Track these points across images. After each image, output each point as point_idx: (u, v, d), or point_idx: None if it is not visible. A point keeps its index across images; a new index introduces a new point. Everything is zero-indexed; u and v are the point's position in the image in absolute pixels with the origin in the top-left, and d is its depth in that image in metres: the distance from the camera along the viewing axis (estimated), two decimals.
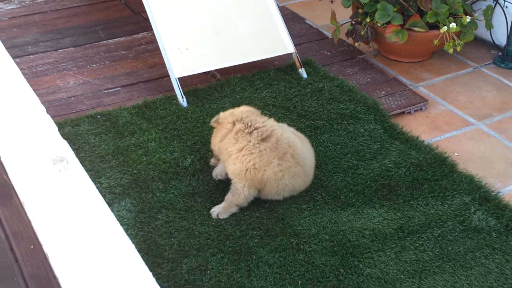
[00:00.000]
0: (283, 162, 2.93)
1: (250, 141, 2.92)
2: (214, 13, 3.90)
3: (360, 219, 2.91)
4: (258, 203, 2.99)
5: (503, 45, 4.20)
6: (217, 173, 3.13)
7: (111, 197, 3.02)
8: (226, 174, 3.04)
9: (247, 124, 2.96)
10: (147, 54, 4.24)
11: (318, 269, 2.66)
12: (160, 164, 3.21)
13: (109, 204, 2.95)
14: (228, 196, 2.97)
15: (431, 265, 2.67)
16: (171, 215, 2.94)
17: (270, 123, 3.01)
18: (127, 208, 2.98)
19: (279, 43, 3.92)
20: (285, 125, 3.16)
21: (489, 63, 4.17)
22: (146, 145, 3.33)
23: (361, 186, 3.08)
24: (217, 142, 3.03)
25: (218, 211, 2.96)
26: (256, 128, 2.95)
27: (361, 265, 2.68)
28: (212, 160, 3.20)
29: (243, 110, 3.04)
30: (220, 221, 2.91)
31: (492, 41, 4.31)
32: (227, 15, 3.92)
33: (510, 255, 2.69)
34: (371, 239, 2.80)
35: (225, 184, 3.08)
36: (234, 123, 2.99)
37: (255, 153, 2.90)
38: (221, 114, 3.08)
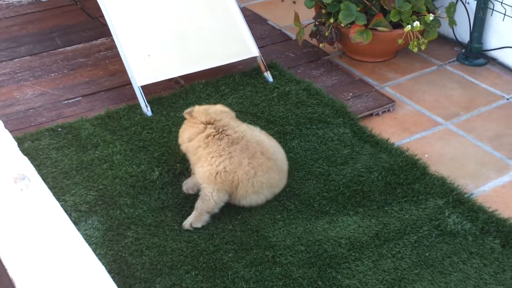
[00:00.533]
0: (253, 160, 2.88)
1: (220, 145, 2.86)
2: (176, 17, 3.79)
3: (335, 227, 2.86)
4: (230, 214, 2.92)
5: (466, 42, 4.21)
6: (188, 187, 3.04)
7: (77, 215, 2.90)
8: (197, 188, 2.96)
9: (218, 130, 2.89)
10: (107, 61, 4.11)
11: (296, 283, 2.60)
12: (126, 178, 3.10)
13: (75, 223, 2.86)
14: (198, 204, 2.89)
15: (410, 273, 2.64)
16: (141, 232, 2.84)
17: (242, 129, 2.94)
18: (94, 226, 2.87)
19: (243, 46, 3.84)
20: (256, 128, 3.09)
21: (453, 61, 4.17)
22: (111, 158, 3.21)
23: (334, 193, 3.03)
24: (185, 139, 2.96)
25: (190, 221, 2.87)
26: (227, 135, 2.88)
27: (339, 276, 2.63)
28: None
29: (218, 111, 2.96)
30: (193, 235, 2.82)
31: (455, 38, 4.31)
32: (190, 19, 3.81)
33: (487, 259, 2.68)
34: (347, 248, 2.75)
35: (195, 196, 2.99)
36: (206, 125, 2.91)
37: (224, 155, 2.84)
38: (196, 107, 2.98)
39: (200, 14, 3.85)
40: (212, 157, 2.85)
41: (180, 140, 3.02)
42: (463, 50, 4.19)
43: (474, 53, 4.11)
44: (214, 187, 2.85)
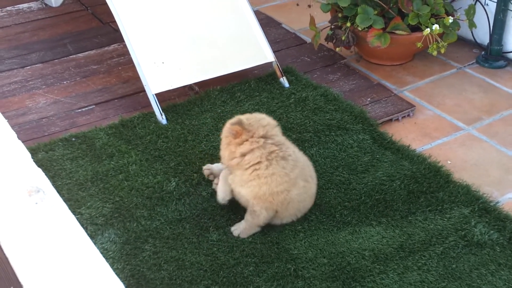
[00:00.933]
0: (306, 183, 2.80)
1: (285, 168, 2.72)
2: (190, 23, 3.73)
3: (358, 238, 2.78)
4: None
5: (485, 44, 4.12)
6: (224, 196, 2.88)
7: (94, 228, 2.84)
8: (233, 193, 2.87)
9: (281, 148, 2.75)
10: (119, 68, 4.04)
11: None
12: (143, 189, 3.03)
13: (92, 237, 2.79)
14: (248, 218, 2.80)
15: (437, 286, 2.55)
16: (159, 245, 2.77)
17: (291, 147, 2.85)
18: (111, 239, 2.80)
19: (258, 52, 3.77)
20: (291, 144, 2.96)
21: (472, 63, 4.08)
22: (126, 169, 3.15)
23: (356, 203, 2.96)
24: (237, 154, 2.74)
25: (239, 232, 2.81)
26: (289, 155, 2.75)
27: None
28: (215, 181, 3.02)
29: (272, 124, 2.82)
30: (212, 248, 2.75)
31: (474, 40, 4.22)
32: (203, 25, 3.74)
33: None
34: (371, 261, 2.67)
35: (213, 207, 2.93)
36: (265, 139, 2.75)
37: (286, 178, 2.73)
38: (243, 118, 2.77)
39: (214, 19, 3.78)
40: (274, 177, 2.71)
41: (228, 154, 2.79)
42: (483, 52, 4.09)
43: (494, 55, 4.02)
44: (262, 205, 2.75)
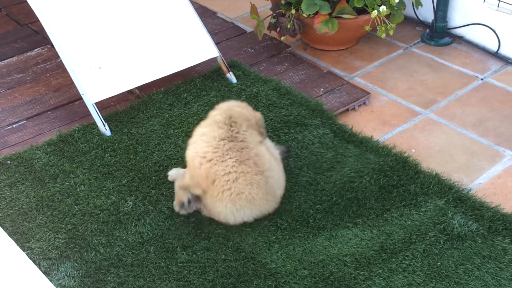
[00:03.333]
0: (241, 165, 2.61)
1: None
2: (125, 23, 3.42)
3: (336, 244, 2.63)
4: (219, 241, 2.63)
5: (429, 22, 4.03)
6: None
7: (47, 263, 2.55)
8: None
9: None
10: (47, 75, 3.69)
11: None
12: (97, 213, 2.75)
13: (46, 273, 2.51)
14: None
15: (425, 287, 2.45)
16: (123, 274, 2.51)
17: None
18: (68, 274, 2.52)
19: (201, 47, 3.51)
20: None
21: (418, 42, 3.99)
22: (74, 191, 2.85)
23: (328, 204, 2.80)
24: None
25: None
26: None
27: None
28: None
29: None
30: (182, 271, 2.52)
31: (416, 17, 4.13)
32: (140, 24, 3.45)
33: (502, 262, 2.52)
34: (354, 267, 2.53)
35: (178, 225, 2.69)
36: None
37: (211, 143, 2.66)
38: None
39: (151, 17, 3.49)
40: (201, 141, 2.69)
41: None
42: (427, 30, 4.01)
43: (439, 33, 3.94)
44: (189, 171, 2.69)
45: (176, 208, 2.75)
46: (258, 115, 2.83)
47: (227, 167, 2.61)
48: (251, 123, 2.73)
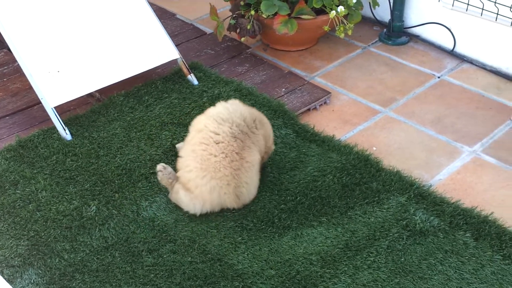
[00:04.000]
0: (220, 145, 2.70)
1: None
2: (84, 25, 3.38)
3: (302, 243, 2.65)
4: (185, 243, 2.62)
5: (386, 21, 4.10)
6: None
7: (10, 271, 2.50)
8: None
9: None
10: (4, 80, 3.62)
11: None
12: (60, 219, 2.71)
13: (10, 281, 2.47)
14: None
15: (390, 283, 2.48)
16: (89, 280, 2.49)
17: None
18: (32, 281, 2.48)
19: (161, 49, 3.50)
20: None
21: (376, 41, 4.05)
22: (36, 197, 2.80)
23: (292, 204, 2.81)
24: None
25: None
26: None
27: None
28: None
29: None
30: (149, 274, 2.51)
31: (374, 17, 4.19)
32: (99, 26, 3.41)
33: (463, 256, 2.57)
34: (320, 265, 2.55)
35: (142, 228, 2.67)
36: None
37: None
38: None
39: (111, 19, 3.45)
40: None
41: None
42: (385, 30, 4.07)
43: (396, 32, 4.00)
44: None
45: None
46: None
47: (222, 154, 2.68)
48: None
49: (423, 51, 3.92)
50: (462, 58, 3.83)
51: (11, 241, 2.62)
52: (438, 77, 3.70)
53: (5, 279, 2.42)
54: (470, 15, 3.70)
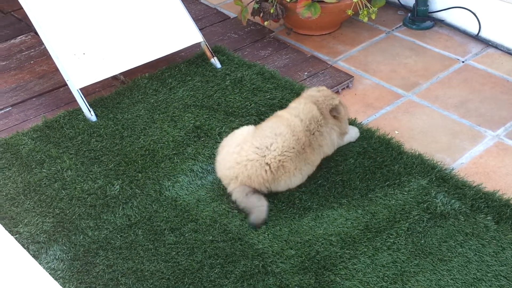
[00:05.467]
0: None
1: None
2: (109, 8, 3.42)
3: (322, 224, 2.67)
4: (207, 222, 2.65)
5: (410, 6, 4.07)
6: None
7: (36, 247, 2.57)
8: None
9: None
10: (32, 62, 3.68)
11: None
12: (84, 197, 2.77)
13: (35, 257, 2.53)
14: None
15: (409, 265, 2.49)
16: (112, 257, 2.54)
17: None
18: (57, 257, 2.54)
19: (185, 33, 3.53)
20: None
21: (400, 26, 4.03)
22: (61, 176, 2.87)
23: (314, 186, 2.83)
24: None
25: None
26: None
27: (338, 278, 2.44)
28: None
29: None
30: (170, 252, 2.55)
31: (398, 1, 4.16)
32: (124, 9, 3.45)
33: (484, 239, 2.57)
34: (340, 246, 2.57)
35: (165, 207, 2.72)
36: None
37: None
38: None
39: (136, 3, 3.49)
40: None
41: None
42: (409, 14, 4.05)
43: (420, 16, 3.98)
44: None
45: None
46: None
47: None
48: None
49: (448, 36, 3.90)
50: (487, 43, 3.79)
51: (37, 218, 2.68)
52: (463, 62, 3.67)
53: (30, 254, 2.48)
54: None
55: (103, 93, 3.39)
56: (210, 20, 4.05)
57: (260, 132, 2.79)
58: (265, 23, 3.76)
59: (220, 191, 2.80)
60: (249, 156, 2.71)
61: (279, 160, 2.71)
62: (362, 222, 2.67)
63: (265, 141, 2.73)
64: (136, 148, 3.01)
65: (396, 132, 3.18)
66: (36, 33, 3.74)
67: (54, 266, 2.50)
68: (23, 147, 3.02)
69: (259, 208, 2.67)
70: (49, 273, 2.48)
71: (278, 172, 2.72)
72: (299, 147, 2.76)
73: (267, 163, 2.70)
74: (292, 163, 2.74)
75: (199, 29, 3.64)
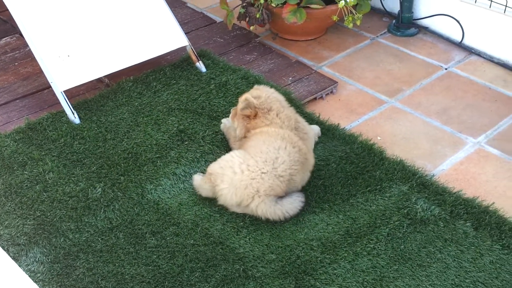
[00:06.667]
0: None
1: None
2: (94, 11, 3.43)
3: (303, 228, 2.68)
4: (188, 226, 2.66)
5: (395, 12, 4.10)
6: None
7: (16, 249, 2.56)
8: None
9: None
10: (16, 64, 3.67)
11: None
12: (66, 200, 2.76)
13: (15, 259, 2.53)
14: None
15: (389, 270, 2.51)
16: (92, 260, 2.54)
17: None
18: (37, 259, 2.53)
19: (171, 36, 3.53)
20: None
21: (384, 32, 4.06)
22: (43, 178, 2.86)
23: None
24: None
25: None
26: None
27: (318, 283, 2.46)
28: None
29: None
30: (151, 255, 2.55)
31: (383, 8, 4.19)
32: (109, 12, 3.46)
33: (463, 245, 2.59)
34: (320, 251, 2.58)
35: (146, 211, 2.72)
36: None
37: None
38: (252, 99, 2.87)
39: (121, 5, 3.50)
40: None
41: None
42: (394, 21, 4.08)
43: (405, 23, 4.01)
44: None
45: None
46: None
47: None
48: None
49: (432, 43, 3.93)
50: (470, 50, 3.83)
51: (17, 220, 2.67)
52: (446, 69, 3.70)
53: (10, 256, 2.48)
54: (479, 7, 3.70)
55: (87, 96, 3.38)
56: (196, 24, 4.06)
57: (254, 149, 2.76)
58: (251, 28, 3.78)
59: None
60: (261, 169, 2.68)
61: (289, 173, 2.72)
62: (343, 227, 2.69)
63: (269, 155, 2.71)
64: (119, 151, 3.01)
65: (379, 138, 3.21)
66: (21, 34, 3.74)
67: (34, 269, 2.50)
68: (5, 148, 3.01)
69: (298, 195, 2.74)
70: (29, 276, 2.48)
71: (289, 185, 2.74)
72: (302, 158, 2.77)
73: (280, 175, 2.70)
74: (299, 175, 2.77)
75: (185, 33, 3.65)
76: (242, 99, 2.87)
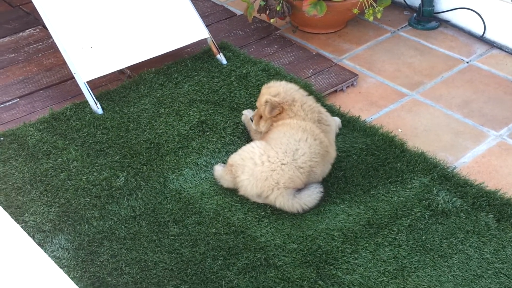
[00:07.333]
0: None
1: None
2: (117, 2, 3.46)
3: (324, 219, 2.70)
4: (210, 215, 2.68)
5: (416, 6, 4.09)
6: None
7: (41, 236, 2.60)
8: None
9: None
10: (39, 55, 3.72)
11: (296, 285, 2.43)
12: (89, 188, 2.80)
13: (41, 245, 2.56)
14: None
15: (410, 261, 2.51)
16: (116, 247, 2.57)
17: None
18: (62, 246, 2.57)
19: (192, 28, 3.56)
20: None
21: (405, 26, 4.05)
22: (67, 167, 2.90)
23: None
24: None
25: None
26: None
27: (339, 272, 2.47)
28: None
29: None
30: (174, 243, 2.58)
31: (404, 1, 4.19)
32: (132, 4, 3.49)
33: (485, 236, 2.59)
34: (342, 241, 2.59)
35: (169, 200, 2.75)
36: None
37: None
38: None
39: None
40: None
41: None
42: (414, 14, 4.07)
43: (426, 17, 4.00)
44: None
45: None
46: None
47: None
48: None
49: (453, 36, 3.92)
50: (491, 44, 3.81)
51: (42, 207, 2.71)
52: (467, 62, 3.69)
53: (36, 243, 2.51)
54: (501, 1, 3.69)
55: (110, 87, 3.42)
56: (216, 16, 4.08)
57: (275, 141, 2.77)
58: (271, 20, 3.79)
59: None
60: (282, 160, 2.70)
61: (310, 165, 2.73)
62: (364, 217, 2.70)
63: (289, 147, 2.73)
64: (141, 141, 3.04)
65: (400, 130, 3.21)
66: (44, 26, 3.78)
67: (59, 255, 2.54)
68: (30, 138, 3.05)
69: (316, 187, 2.75)
70: (54, 262, 2.51)
71: (309, 176, 2.75)
72: (323, 150, 2.78)
73: (300, 167, 2.72)
74: (319, 167, 2.78)
75: (206, 26, 3.67)
76: (261, 102, 2.87)
